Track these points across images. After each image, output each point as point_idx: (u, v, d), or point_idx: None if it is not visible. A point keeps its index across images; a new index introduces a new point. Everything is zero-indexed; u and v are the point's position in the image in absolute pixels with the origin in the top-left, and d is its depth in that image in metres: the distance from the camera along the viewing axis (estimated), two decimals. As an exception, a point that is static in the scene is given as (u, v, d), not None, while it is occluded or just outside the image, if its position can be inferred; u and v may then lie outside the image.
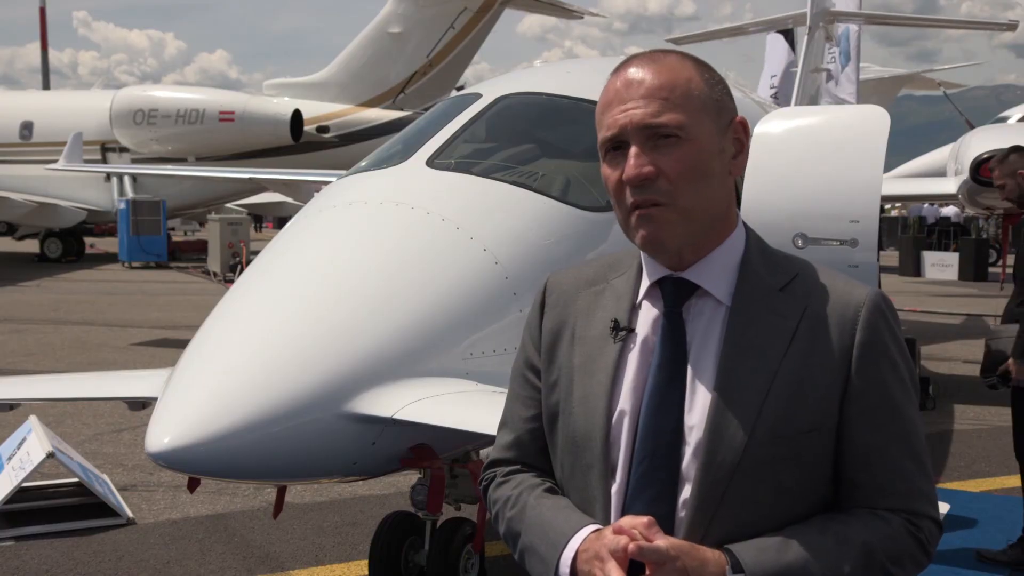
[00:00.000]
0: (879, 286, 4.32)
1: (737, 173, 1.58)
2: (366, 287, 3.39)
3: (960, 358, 11.09)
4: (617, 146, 1.53)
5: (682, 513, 1.51)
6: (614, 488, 1.56)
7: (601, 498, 1.56)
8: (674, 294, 1.58)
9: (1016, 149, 5.30)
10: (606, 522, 1.54)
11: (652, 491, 1.51)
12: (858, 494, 1.53)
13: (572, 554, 1.50)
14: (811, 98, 15.26)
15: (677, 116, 1.49)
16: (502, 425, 1.78)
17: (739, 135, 1.58)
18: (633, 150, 1.51)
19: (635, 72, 1.54)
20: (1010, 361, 4.95)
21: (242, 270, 6.27)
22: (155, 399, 3.20)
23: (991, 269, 23.38)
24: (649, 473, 1.52)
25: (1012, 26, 15.08)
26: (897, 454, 1.53)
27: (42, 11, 50.92)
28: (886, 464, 1.53)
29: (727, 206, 1.58)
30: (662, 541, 1.40)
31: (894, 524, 1.51)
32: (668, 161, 1.49)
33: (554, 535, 1.54)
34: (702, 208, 1.52)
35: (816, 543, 1.46)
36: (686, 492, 1.51)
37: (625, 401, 1.56)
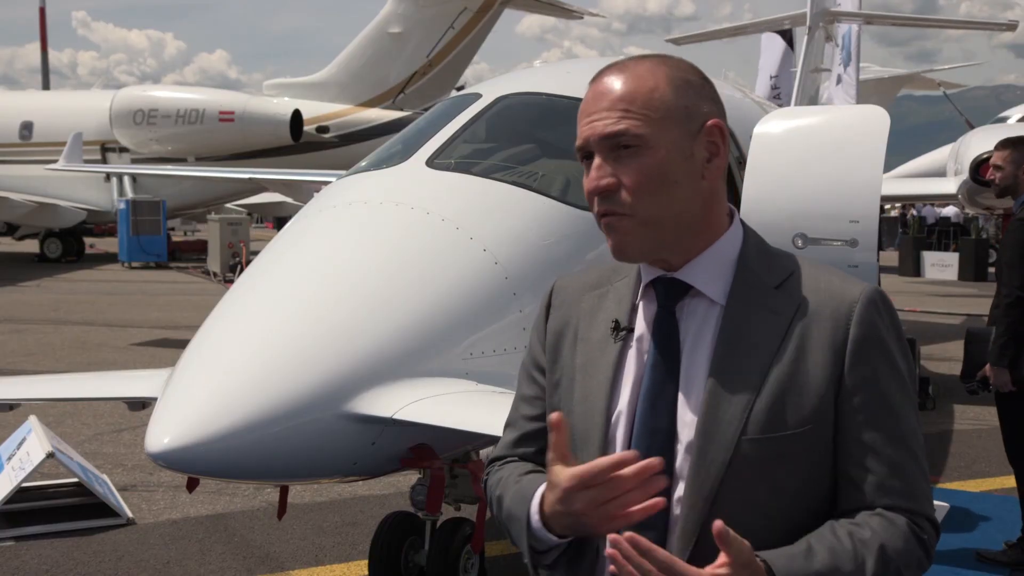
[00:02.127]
0: (879, 285, 4.32)
1: (712, 177, 1.56)
2: (366, 287, 3.39)
3: (960, 358, 11.05)
4: (587, 155, 1.56)
5: (677, 511, 1.51)
6: None
7: None
8: (666, 294, 1.59)
9: None
10: None
11: None
12: (857, 492, 1.52)
13: (538, 503, 1.53)
14: (811, 98, 15.26)
15: (635, 126, 1.50)
16: (508, 425, 1.80)
17: (714, 138, 1.56)
18: (595, 161, 1.54)
19: (604, 82, 1.56)
20: (987, 366, 4.92)
21: (242, 270, 6.27)
22: (155, 399, 3.20)
23: (991, 269, 23.38)
24: None
25: (1012, 26, 15.08)
26: (895, 451, 1.52)
27: (42, 11, 50.94)
28: (884, 461, 1.51)
29: (702, 210, 1.56)
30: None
31: (901, 527, 1.50)
32: (627, 172, 1.51)
33: (527, 492, 1.57)
34: (664, 216, 1.52)
35: (839, 549, 1.45)
36: (680, 490, 1.51)
37: (623, 400, 1.58)
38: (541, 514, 1.52)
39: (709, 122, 1.56)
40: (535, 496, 1.54)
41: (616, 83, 1.54)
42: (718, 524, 1.34)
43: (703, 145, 1.55)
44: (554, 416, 1.46)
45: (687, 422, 1.52)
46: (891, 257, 25.63)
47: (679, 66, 1.58)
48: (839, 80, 15.19)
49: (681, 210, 1.54)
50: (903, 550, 1.48)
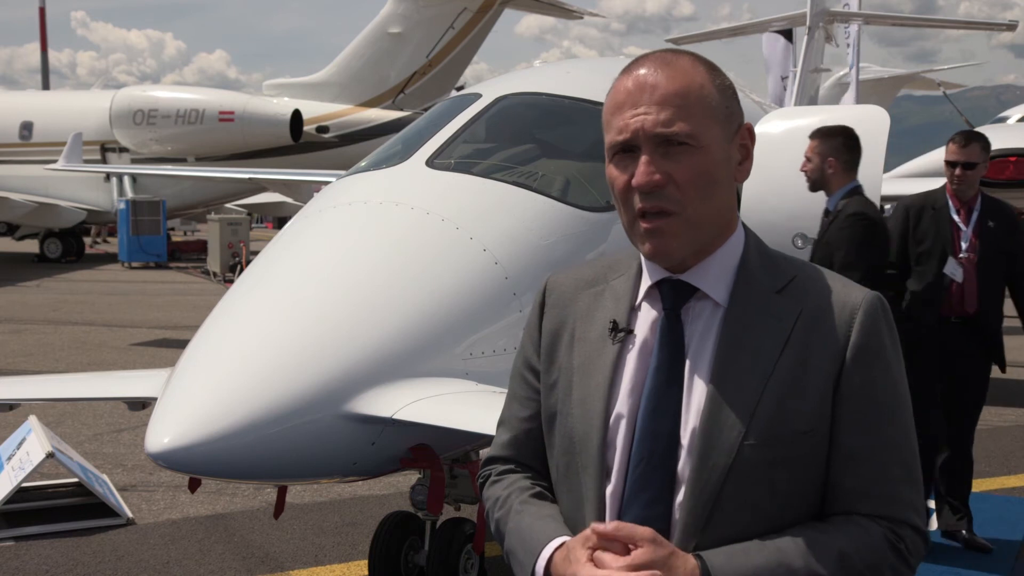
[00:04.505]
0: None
1: (741, 179, 1.58)
2: (366, 287, 3.39)
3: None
4: (627, 149, 1.52)
5: (678, 515, 1.50)
6: (609, 490, 1.56)
7: (594, 499, 1.56)
8: (673, 296, 1.57)
9: (849, 135, 4.70)
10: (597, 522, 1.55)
11: (649, 493, 1.52)
12: (840, 498, 1.52)
13: (545, 562, 1.53)
14: (811, 98, 15.28)
15: (689, 125, 1.49)
16: (500, 423, 1.79)
17: (745, 141, 1.57)
18: (644, 157, 1.50)
19: (647, 74, 1.52)
20: None
21: (242, 270, 6.27)
22: (155, 399, 3.20)
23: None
24: (646, 475, 1.52)
25: (1012, 26, 15.10)
26: (882, 459, 1.51)
27: (42, 11, 50.97)
28: (870, 468, 1.51)
29: (731, 212, 1.58)
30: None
31: (873, 533, 1.49)
32: (679, 169, 1.49)
33: (532, 542, 1.57)
34: (709, 216, 1.52)
35: (788, 549, 1.45)
36: (682, 494, 1.51)
37: (623, 403, 1.56)
38: (547, 572, 1.52)
39: (744, 125, 1.57)
40: (542, 554, 1.54)
41: (662, 76, 1.51)
42: (609, 528, 1.43)
43: (736, 147, 1.56)
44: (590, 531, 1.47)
45: (690, 426, 1.51)
46: (891, 257, 25.61)
47: (713, 67, 1.57)
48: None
49: (720, 211, 1.54)
50: (870, 557, 1.47)
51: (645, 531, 1.42)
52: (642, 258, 1.62)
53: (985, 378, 5.27)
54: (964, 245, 5.15)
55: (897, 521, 1.51)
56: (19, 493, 5.62)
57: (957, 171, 5.10)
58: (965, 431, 5.31)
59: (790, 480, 1.50)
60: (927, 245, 5.16)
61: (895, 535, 1.50)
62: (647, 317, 1.60)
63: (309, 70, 37.07)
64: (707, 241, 1.55)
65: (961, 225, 5.17)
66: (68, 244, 26.33)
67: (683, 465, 1.51)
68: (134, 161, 25.51)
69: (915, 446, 1.56)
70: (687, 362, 1.54)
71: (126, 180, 25.45)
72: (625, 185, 1.52)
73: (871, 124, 4.49)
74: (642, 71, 1.53)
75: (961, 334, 5.15)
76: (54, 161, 22.00)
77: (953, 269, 5.11)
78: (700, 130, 1.49)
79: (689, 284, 1.56)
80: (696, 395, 1.52)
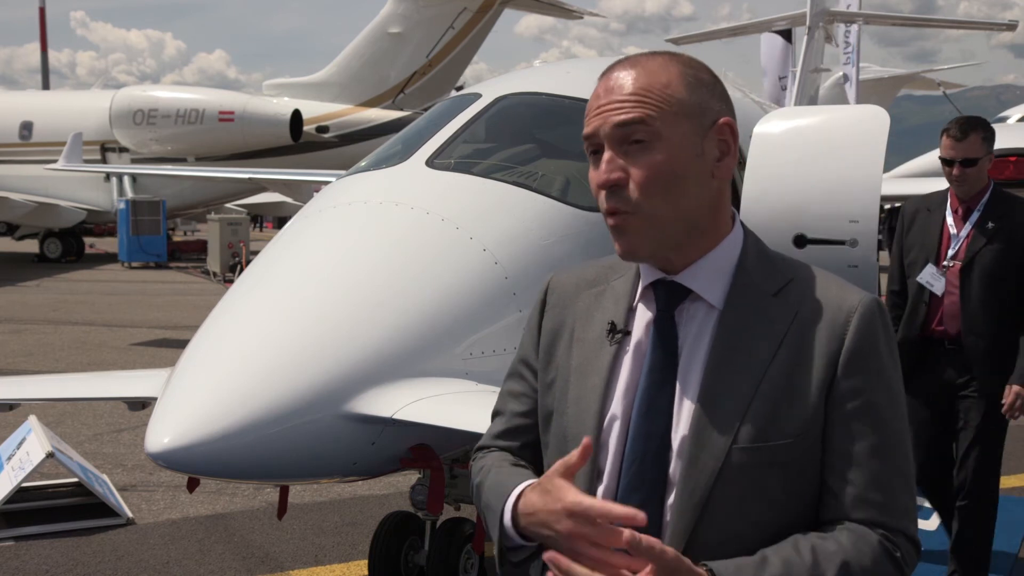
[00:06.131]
0: (879, 285, 4.30)
1: (722, 176, 1.55)
2: (366, 287, 3.39)
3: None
4: (595, 149, 1.55)
5: (668, 517, 1.50)
6: (600, 491, 1.56)
7: None
8: (666, 298, 1.57)
9: None
10: None
11: (640, 495, 1.51)
12: (835, 504, 1.51)
13: (513, 500, 1.52)
14: (811, 98, 15.28)
15: (647, 122, 1.49)
16: (495, 414, 1.81)
17: (725, 137, 1.55)
18: (606, 155, 1.52)
19: (616, 75, 1.54)
20: None
21: (242, 270, 6.28)
22: (155, 399, 3.20)
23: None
24: (638, 476, 1.52)
25: (1012, 26, 15.11)
26: (877, 465, 1.50)
27: (42, 11, 50.99)
28: (864, 474, 1.49)
29: (710, 210, 1.55)
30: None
31: (872, 543, 1.48)
32: (637, 167, 1.49)
33: (503, 489, 1.57)
34: (673, 214, 1.51)
35: (796, 562, 1.43)
36: (672, 497, 1.50)
37: (617, 404, 1.56)
38: (514, 512, 1.52)
39: (720, 120, 1.55)
40: (512, 493, 1.54)
41: (628, 77, 1.52)
42: (626, 534, 1.32)
43: (714, 143, 1.54)
44: (586, 441, 1.44)
45: (681, 428, 1.51)
46: (891, 257, 25.63)
47: (691, 63, 1.57)
48: (845, 78, 15.24)
49: (689, 208, 1.52)
50: (870, 567, 1.46)
51: (652, 540, 1.36)
52: None
53: (992, 423, 4.32)
54: (951, 252, 4.35)
55: (893, 529, 1.50)
56: (19, 493, 5.63)
57: (955, 170, 4.34)
58: (978, 493, 4.42)
59: (780, 484, 1.49)
60: (914, 254, 4.49)
61: (892, 543, 1.49)
62: (643, 318, 1.60)
63: (309, 70, 37.07)
64: (677, 240, 1.53)
65: (953, 228, 4.39)
66: (68, 244, 26.33)
67: (674, 467, 1.50)
68: (134, 161, 25.51)
69: (910, 452, 1.55)
70: (680, 363, 1.54)
71: (126, 180, 25.45)
72: (595, 184, 1.55)
73: (871, 124, 4.47)
74: (614, 73, 1.55)
75: (956, 361, 4.35)
76: (54, 161, 22.02)
77: (930, 278, 4.36)
78: (660, 127, 1.49)
79: (683, 285, 1.56)
80: (688, 397, 1.51)
